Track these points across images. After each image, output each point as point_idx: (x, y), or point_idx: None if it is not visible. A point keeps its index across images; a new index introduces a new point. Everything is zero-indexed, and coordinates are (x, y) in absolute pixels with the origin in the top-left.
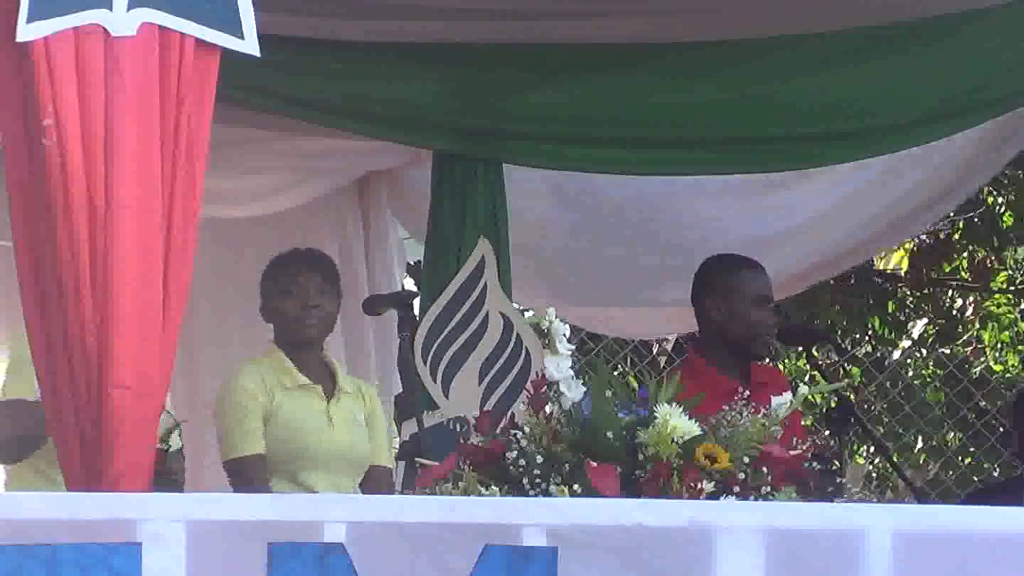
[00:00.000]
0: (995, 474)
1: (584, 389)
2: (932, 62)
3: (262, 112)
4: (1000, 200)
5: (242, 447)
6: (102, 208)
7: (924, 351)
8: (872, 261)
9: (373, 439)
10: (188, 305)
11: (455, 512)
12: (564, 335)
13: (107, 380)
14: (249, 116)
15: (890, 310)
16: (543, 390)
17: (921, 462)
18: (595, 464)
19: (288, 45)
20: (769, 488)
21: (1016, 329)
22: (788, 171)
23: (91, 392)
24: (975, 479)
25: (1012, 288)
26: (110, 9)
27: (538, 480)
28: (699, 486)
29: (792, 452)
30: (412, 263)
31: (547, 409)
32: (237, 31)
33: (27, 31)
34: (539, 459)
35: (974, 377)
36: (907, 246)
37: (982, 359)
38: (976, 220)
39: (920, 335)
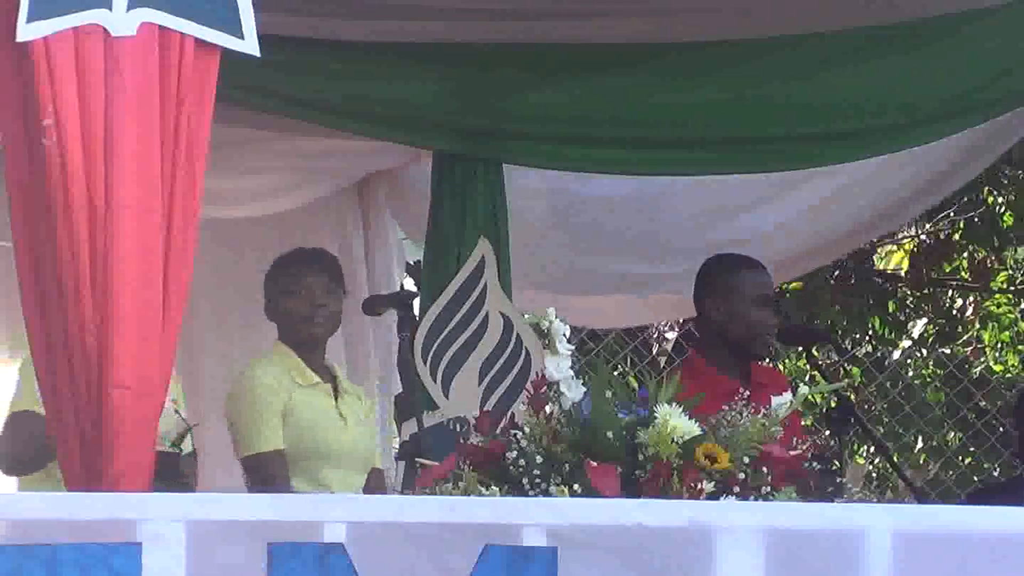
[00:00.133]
0: (995, 474)
1: (584, 389)
2: (932, 62)
3: (262, 112)
4: (1000, 200)
5: (262, 443)
6: (102, 208)
7: (924, 351)
8: (872, 261)
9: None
10: (188, 305)
11: (455, 512)
12: (564, 335)
13: (107, 380)
14: (249, 116)
15: (890, 310)
16: (543, 390)
17: (921, 462)
18: (595, 464)
19: (288, 45)
20: (769, 488)
21: (1016, 329)
22: (788, 171)
23: (91, 392)
24: (975, 479)
25: (1012, 288)
26: (110, 9)
27: (538, 480)
28: (699, 486)
29: (792, 452)
30: (412, 263)
31: (547, 409)
32: (237, 31)
33: (27, 31)
34: (539, 459)
35: (974, 377)
36: (907, 246)
37: (982, 359)
38: (976, 220)
39: (920, 335)
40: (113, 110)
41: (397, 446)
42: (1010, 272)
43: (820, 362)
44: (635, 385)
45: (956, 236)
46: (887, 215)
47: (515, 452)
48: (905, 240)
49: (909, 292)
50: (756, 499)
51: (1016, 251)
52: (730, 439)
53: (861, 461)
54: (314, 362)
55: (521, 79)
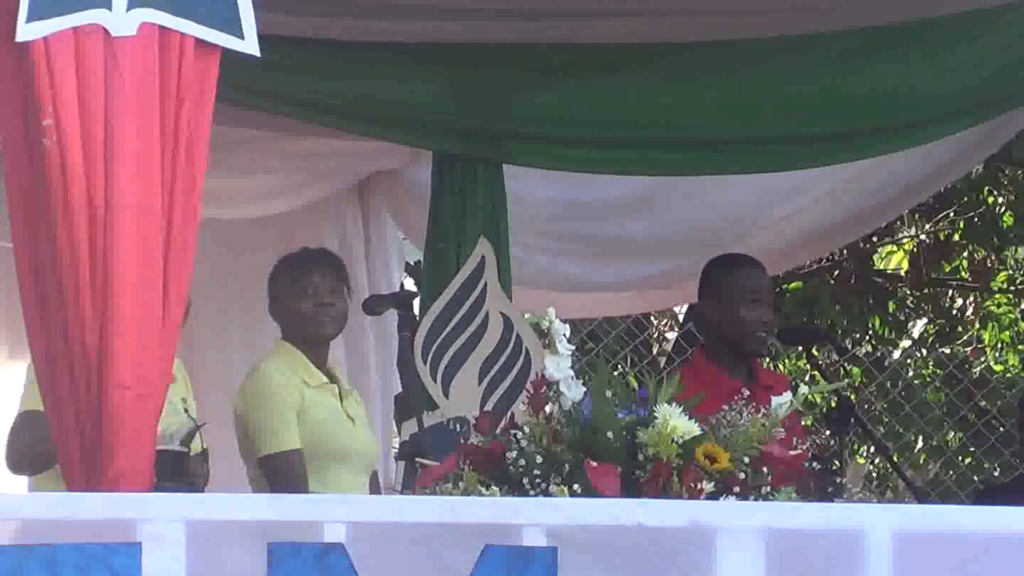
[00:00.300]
0: (995, 474)
1: (584, 389)
2: (932, 63)
3: (262, 112)
4: (1000, 200)
5: (281, 442)
6: (102, 208)
7: (924, 351)
8: (872, 261)
9: None
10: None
11: (455, 512)
12: (564, 335)
13: (107, 380)
14: (249, 116)
15: (890, 310)
16: (543, 390)
17: (921, 462)
18: (595, 464)
19: (288, 45)
20: (769, 488)
21: (1016, 329)
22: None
23: (91, 392)
24: (975, 479)
25: (1012, 288)
26: (110, 9)
27: (538, 480)
28: (699, 486)
29: (792, 452)
30: (412, 263)
31: (547, 409)
32: (237, 31)
33: (27, 31)
34: (539, 459)
35: (974, 377)
36: (907, 246)
37: (982, 359)
38: (976, 220)
39: (920, 335)
40: (113, 110)
41: (397, 446)
42: (1010, 272)
43: (820, 362)
44: (635, 385)
45: (956, 236)
46: (883, 207)
47: (515, 452)
48: (905, 240)
49: (909, 292)
50: (756, 499)
51: (1016, 251)
52: (730, 439)
53: (861, 461)
54: (319, 362)
55: (521, 79)
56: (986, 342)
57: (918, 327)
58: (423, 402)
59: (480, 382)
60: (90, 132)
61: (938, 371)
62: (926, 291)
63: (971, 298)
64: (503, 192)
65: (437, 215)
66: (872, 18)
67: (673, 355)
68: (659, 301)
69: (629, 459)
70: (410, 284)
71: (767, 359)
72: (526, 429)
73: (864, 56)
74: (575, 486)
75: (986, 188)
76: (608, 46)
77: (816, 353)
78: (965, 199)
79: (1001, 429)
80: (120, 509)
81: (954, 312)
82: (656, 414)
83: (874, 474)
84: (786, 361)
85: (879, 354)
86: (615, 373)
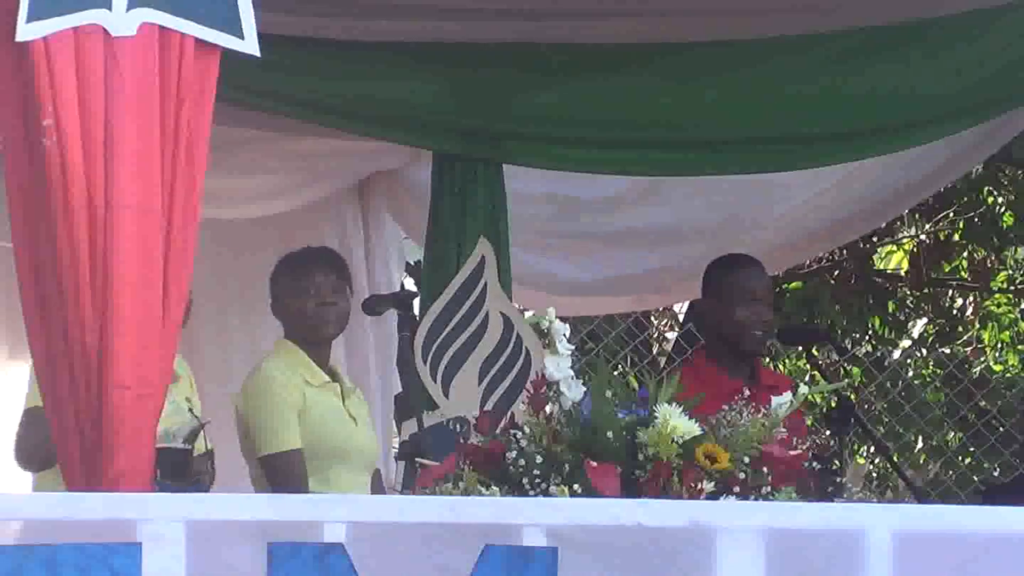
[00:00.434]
0: (995, 474)
1: (584, 389)
2: (932, 63)
3: (262, 112)
4: (1000, 200)
5: (282, 442)
6: (102, 208)
7: (924, 351)
8: (872, 261)
9: None
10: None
11: (455, 512)
12: (564, 335)
13: (107, 380)
14: (249, 116)
15: (890, 310)
16: (543, 390)
17: (921, 462)
18: (595, 464)
19: (288, 45)
20: (769, 488)
21: (1016, 329)
22: (788, 171)
23: (91, 392)
24: (975, 479)
25: (1012, 288)
26: (110, 9)
27: (538, 480)
28: (699, 486)
29: (792, 452)
30: (412, 263)
31: (547, 409)
32: (237, 31)
33: (27, 31)
34: (539, 459)
35: (974, 377)
36: (907, 246)
37: (982, 359)
38: (976, 220)
39: (920, 335)
40: (113, 110)
41: (397, 446)
42: (1010, 272)
43: (820, 362)
44: (635, 385)
45: (956, 236)
46: (882, 206)
47: (515, 452)
48: (905, 240)
49: (909, 292)
50: (756, 499)
51: (1016, 251)
52: (730, 439)
53: (861, 461)
54: (321, 361)
55: (521, 79)
56: (986, 342)
57: (918, 327)
58: (423, 402)
59: (480, 382)
60: (90, 132)
61: (938, 371)
62: (926, 291)
63: (971, 298)
64: (503, 192)
65: (437, 215)
66: (872, 18)
67: (673, 355)
68: (658, 301)
69: (629, 459)
70: (410, 284)
71: (767, 359)
72: (526, 429)
73: (864, 56)
74: (575, 486)
75: (986, 188)
76: (608, 46)
77: (816, 353)
78: (965, 199)
79: (1001, 429)
80: (120, 509)
81: (954, 312)
82: (656, 414)
83: (874, 474)
84: (786, 361)
85: (879, 354)
86: (615, 373)
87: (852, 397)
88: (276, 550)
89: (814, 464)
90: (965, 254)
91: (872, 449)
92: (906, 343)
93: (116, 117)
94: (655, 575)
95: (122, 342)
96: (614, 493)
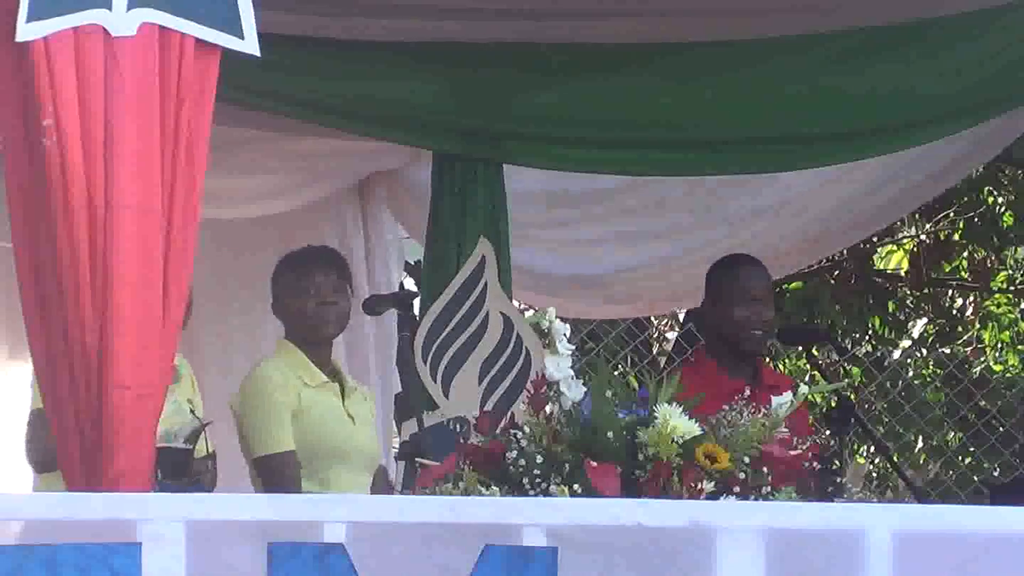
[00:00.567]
0: (995, 474)
1: (584, 389)
2: (932, 63)
3: (262, 112)
4: (1000, 200)
5: (274, 444)
6: (102, 208)
7: (924, 351)
8: (872, 261)
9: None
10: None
11: (455, 512)
12: (564, 335)
13: (107, 380)
14: (249, 116)
15: (890, 310)
16: (543, 390)
17: (921, 462)
18: (595, 464)
19: (288, 45)
20: (769, 488)
21: (1016, 329)
22: (788, 171)
23: (91, 392)
24: (975, 479)
25: (1012, 288)
26: (110, 9)
27: (538, 480)
28: (699, 486)
29: (792, 452)
30: (412, 263)
31: (547, 409)
32: (237, 31)
33: (27, 31)
34: (539, 459)
35: (974, 377)
36: (907, 246)
37: (982, 359)
38: (976, 220)
39: (920, 335)
40: (113, 110)
41: (397, 446)
42: (1010, 272)
43: (820, 362)
44: (635, 385)
45: (956, 236)
46: (884, 210)
47: (515, 452)
48: (905, 240)
49: (909, 292)
50: (756, 499)
51: (1016, 251)
52: (730, 439)
53: (861, 461)
54: (322, 361)
55: (521, 79)
56: (986, 342)
57: (918, 327)
58: (423, 402)
59: (480, 382)
60: (90, 132)
61: (938, 371)
62: (926, 291)
63: (971, 298)
64: (503, 192)
65: (437, 215)
66: (872, 18)
67: (673, 355)
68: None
69: (629, 459)
70: (410, 284)
71: (767, 359)
72: (526, 429)
73: (864, 56)
74: (575, 486)
75: (986, 188)
76: (608, 46)
77: (816, 353)
78: (965, 199)
79: (1001, 429)
80: (120, 509)
81: (954, 312)
82: (656, 414)
83: (874, 474)
84: (786, 361)
85: (879, 354)
86: (615, 373)
87: (852, 397)
88: (276, 550)
89: (814, 464)
90: (965, 254)
91: (872, 449)
92: (906, 343)
93: (116, 117)
94: (655, 575)
95: (122, 342)
96: (614, 493)
